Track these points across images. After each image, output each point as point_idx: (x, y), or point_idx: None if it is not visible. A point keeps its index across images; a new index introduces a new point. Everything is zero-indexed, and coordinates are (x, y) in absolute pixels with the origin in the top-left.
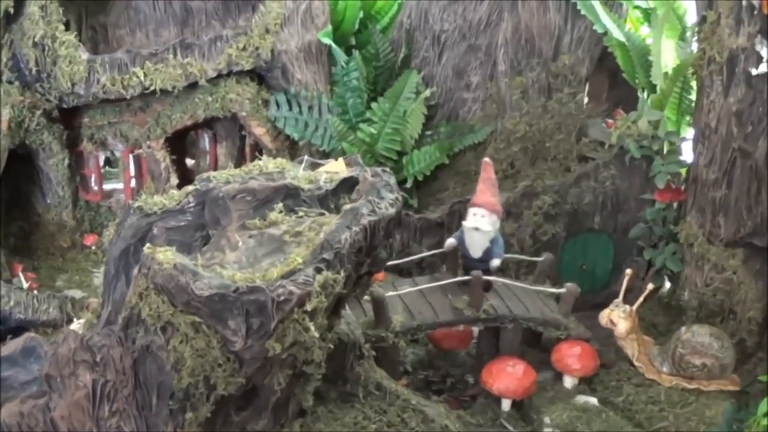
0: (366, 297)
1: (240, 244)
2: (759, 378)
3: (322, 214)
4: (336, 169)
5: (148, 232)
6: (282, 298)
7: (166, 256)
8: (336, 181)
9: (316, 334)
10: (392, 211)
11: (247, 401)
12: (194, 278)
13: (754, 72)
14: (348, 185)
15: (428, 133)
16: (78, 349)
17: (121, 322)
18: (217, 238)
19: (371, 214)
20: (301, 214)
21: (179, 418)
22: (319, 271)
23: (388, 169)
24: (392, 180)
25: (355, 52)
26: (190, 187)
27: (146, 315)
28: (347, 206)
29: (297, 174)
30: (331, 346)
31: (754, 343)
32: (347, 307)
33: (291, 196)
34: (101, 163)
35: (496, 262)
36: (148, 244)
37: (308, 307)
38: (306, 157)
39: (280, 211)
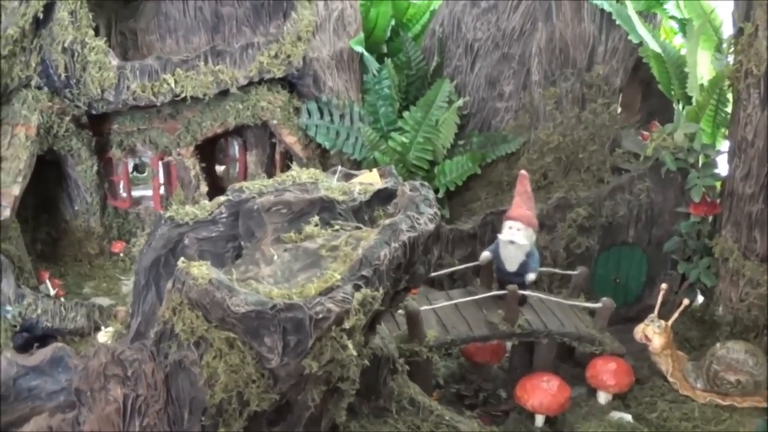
0: (400, 311)
1: (275, 257)
2: None
3: (358, 228)
4: (370, 180)
5: (179, 242)
6: (320, 315)
7: (201, 270)
8: (370, 193)
9: (354, 353)
10: (431, 226)
11: (280, 417)
12: (230, 294)
13: None
14: (382, 197)
15: (460, 143)
16: (109, 363)
17: (153, 337)
18: (251, 252)
19: (410, 230)
20: (337, 227)
21: None
22: (357, 288)
23: (426, 184)
24: (431, 194)
25: (387, 60)
26: (222, 198)
27: (180, 330)
28: (386, 221)
29: (331, 185)
30: (367, 363)
31: None
32: (381, 323)
33: (326, 209)
34: (130, 169)
35: (531, 277)
36: (182, 258)
37: (347, 324)
38: (340, 167)
39: (316, 225)
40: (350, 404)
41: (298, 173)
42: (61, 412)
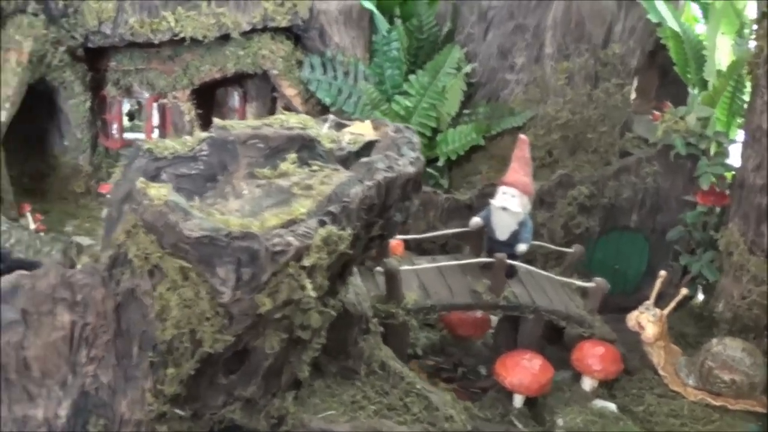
0: (379, 269)
1: (245, 192)
2: None
3: (336, 170)
4: (362, 131)
5: (156, 177)
6: (278, 248)
7: (158, 192)
8: (360, 144)
9: (313, 294)
10: (412, 170)
11: (236, 364)
12: (185, 218)
13: None
14: (373, 149)
15: (466, 112)
16: (58, 285)
17: (107, 261)
18: (222, 185)
19: (388, 170)
20: (315, 167)
21: (160, 373)
22: (322, 224)
23: (411, 127)
24: (415, 138)
25: (398, 22)
26: (204, 134)
27: (133, 255)
28: (362, 160)
29: (319, 132)
30: (334, 314)
31: None
32: (359, 279)
33: (306, 148)
34: (124, 111)
35: (522, 247)
36: (141, 178)
37: (306, 262)
38: (331, 116)
39: (293, 162)
40: (316, 361)
41: (287, 117)
42: None
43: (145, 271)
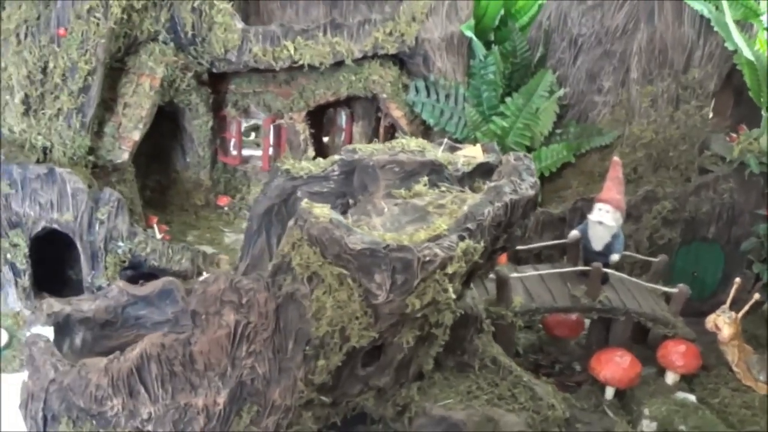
0: (490, 276)
1: (385, 210)
2: None
3: (462, 191)
4: (473, 153)
5: (293, 194)
6: (427, 258)
7: (322, 211)
8: (473, 165)
9: (453, 296)
10: (531, 192)
11: (373, 357)
12: (348, 233)
13: None
14: (483, 170)
15: (558, 131)
16: (227, 289)
17: (270, 269)
18: (364, 204)
19: (513, 193)
20: (443, 189)
21: (312, 364)
22: (462, 238)
23: (529, 155)
24: (532, 165)
25: (494, 47)
26: (336, 157)
27: (296, 264)
28: (492, 183)
29: (437, 154)
30: (459, 314)
31: None
32: (472, 285)
33: (435, 172)
34: (242, 130)
35: (615, 257)
36: (305, 199)
37: (449, 269)
38: (446, 140)
39: (425, 184)
40: (437, 356)
41: (408, 141)
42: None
43: (305, 277)
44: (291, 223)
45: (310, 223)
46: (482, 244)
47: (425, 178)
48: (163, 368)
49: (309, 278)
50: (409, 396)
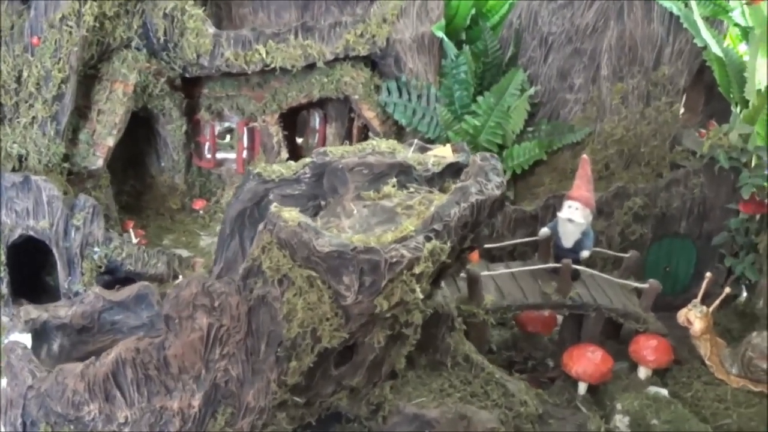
0: (461, 275)
1: (355, 212)
2: None
3: (430, 192)
4: (443, 153)
5: (265, 197)
6: (394, 259)
7: (291, 214)
8: (443, 165)
9: (421, 296)
10: (497, 192)
11: (346, 357)
12: (316, 236)
13: None
14: (453, 170)
15: (529, 129)
16: (199, 293)
17: (241, 273)
18: (334, 206)
19: (479, 193)
20: (412, 190)
21: (284, 366)
22: (428, 239)
23: (496, 155)
24: (499, 165)
25: (465, 47)
26: (307, 159)
27: (266, 267)
28: (458, 184)
29: (407, 155)
30: (429, 312)
31: None
32: (443, 284)
33: (404, 173)
34: (216, 133)
35: (585, 254)
36: (275, 203)
37: (416, 270)
38: (416, 141)
39: (393, 186)
40: (409, 355)
41: (378, 142)
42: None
43: (276, 280)
44: (261, 227)
45: (279, 226)
46: (449, 244)
47: (394, 180)
48: (138, 372)
49: (279, 281)
50: (383, 395)
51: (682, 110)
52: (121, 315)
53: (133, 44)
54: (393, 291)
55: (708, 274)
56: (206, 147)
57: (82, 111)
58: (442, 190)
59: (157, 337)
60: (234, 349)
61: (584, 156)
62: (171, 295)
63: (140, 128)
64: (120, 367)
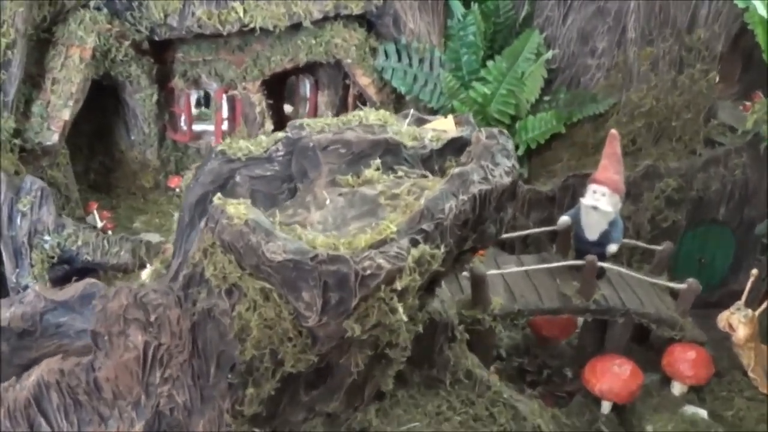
0: (465, 273)
1: (327, 202)
2: None
3: (424, 176)
4: (444, 127)
5: (230, 179)
6: (368, 272)
7: (237, 209)
8: (443, 141)
9: (404, 318)
10: (507, 180)
11: (318, 379)
12: (267, 239)
13: None
14: (456, 146)
15: (546, 98)
16: (130, 305)
17: (181, 280)
18: (303, 194)
19: (483, 181)
20: (400, 173)
21: (239, 393)
22: (415, 243)
23: (506, 132)
24: (510, 144)
25: (474, 6)
26: (280, 134)
27: (210, 275)
28: (455, 170)
29: (400, 129)
30: (420, 330)
31: None
32: (443, 283)
33: (391, 153)
34: (193, 102)
35: (613, 248)
36: (218, 194)
37: (398, 285)
38: (412, 111)
39: (377, 169)
40: (400, 371)
41: (366, 113)
42: (81, 354)
43: (223, 290)
44: (202, 224)
45: (222, 225)
46: (442, 249)
47: (378, 161)
48: (66, 397)
49: (228, 291)
50: (366, 420)
51: (717, 79)
52: (66, 317)
53: (92, 4)
54: (367, 312)
55: (754, 271)
56: (181, 118)
57: (35, 80)
58: (443, 170)
59: (85, 358)
60: (178, 372)
61: (613, 131)
62: (97, 307)
63: (107, 99)
64: (43, 391)
